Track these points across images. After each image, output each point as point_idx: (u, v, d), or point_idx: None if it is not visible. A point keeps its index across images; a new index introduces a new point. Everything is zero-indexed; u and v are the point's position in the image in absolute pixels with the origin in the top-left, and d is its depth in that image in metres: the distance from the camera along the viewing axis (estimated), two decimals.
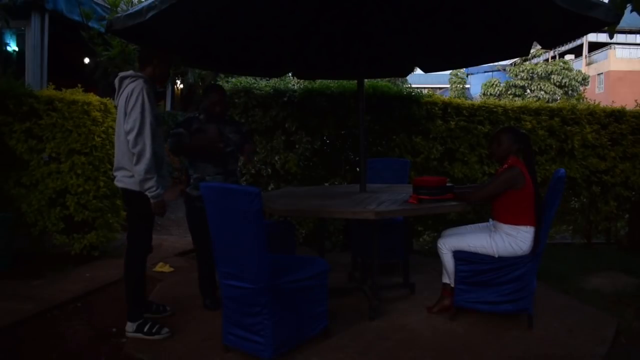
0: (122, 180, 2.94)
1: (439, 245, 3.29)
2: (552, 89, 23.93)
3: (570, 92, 23.67)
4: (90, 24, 6.93)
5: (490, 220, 3.33)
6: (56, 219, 4.57)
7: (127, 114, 2.82)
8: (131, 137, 2.78)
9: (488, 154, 5.00)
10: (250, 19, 3.60)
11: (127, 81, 2.90)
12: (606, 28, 2.97)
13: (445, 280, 3.31)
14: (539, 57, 28.18)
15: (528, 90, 24.52)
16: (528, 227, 3.09)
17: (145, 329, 2.93)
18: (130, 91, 2.83)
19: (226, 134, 3.51)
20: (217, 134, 3.39)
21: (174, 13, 2.67)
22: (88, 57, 8.17)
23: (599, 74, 29.68)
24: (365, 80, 4.40)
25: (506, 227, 3.13)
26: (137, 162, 2.79)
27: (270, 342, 2.58)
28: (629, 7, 3.38)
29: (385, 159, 4.92)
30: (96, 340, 3.03)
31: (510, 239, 3.10)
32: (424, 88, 20.08)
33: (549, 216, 3.12)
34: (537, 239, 3.09)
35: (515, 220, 3.11)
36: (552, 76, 24.25)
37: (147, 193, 2.84)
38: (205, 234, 2.84)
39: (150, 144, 2.79)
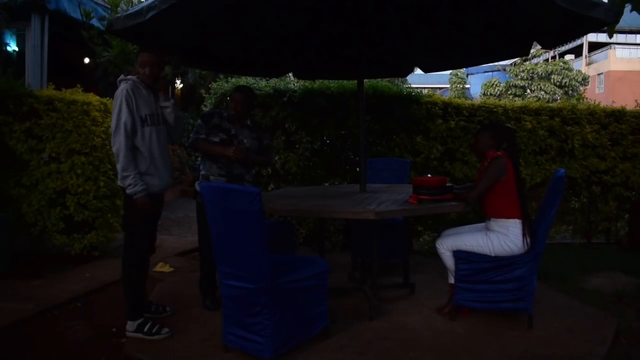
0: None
1: (437, 245, 3.29)
2: (552, 89, 23.93)
3: (570, 92, 23.67)
4: (90, 23, 6.93)
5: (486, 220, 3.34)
6: (56, 219, 4.58)
7: None
8: (111, 137, 2.95)
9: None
10: (250, 19, 3.60)
11: (120, 84, 3.02)
12: (606, 28, 2.97)
13: (451, 281, 3.29)
14: (539, 57, 28.17)
15: (528, 90, 24.52)
16: (516, 220, 3.10)
17: (146, 329, 2.93)
18: (115, 94, 2.97)
19: (240, 137, 3.46)
20: (241, 150, 3.36)
21: (174, 13, 2.67)
22: (88, 57, 8.17)
23: (599, 74, 29.67)
24: (365, 80, 4.40)
25: (496, 224, 3.14)
26: (116, 161, 2.94)
27: (270, 342, 2.58)
28: (628, 7, 3.38)
29: (385, 159, 4.92)
30: (96, 340, 3.03)
31: (505, 238, 3.10)
32: (424, 88, 20.10)
33: (549, 216, 3.12)
34: (530, 233, 3.09)
35: (501, 213, 3.13)
36: (552, 76, 24.25)
37: (127, 190, 2.92)
38: (208, 231, 2.84)
39: (125, 143, 2.88)
